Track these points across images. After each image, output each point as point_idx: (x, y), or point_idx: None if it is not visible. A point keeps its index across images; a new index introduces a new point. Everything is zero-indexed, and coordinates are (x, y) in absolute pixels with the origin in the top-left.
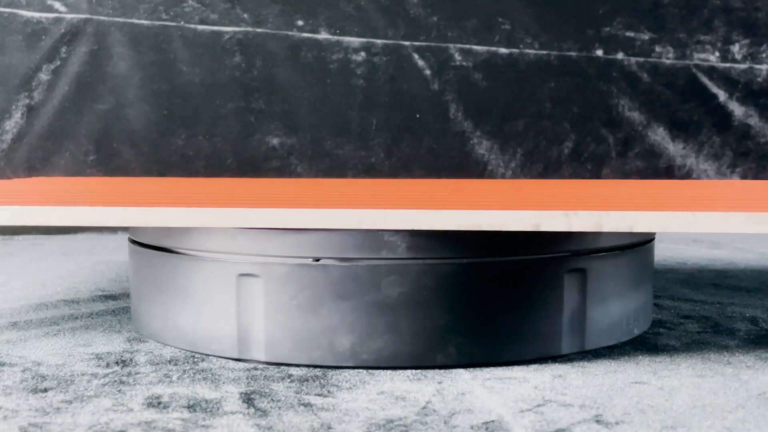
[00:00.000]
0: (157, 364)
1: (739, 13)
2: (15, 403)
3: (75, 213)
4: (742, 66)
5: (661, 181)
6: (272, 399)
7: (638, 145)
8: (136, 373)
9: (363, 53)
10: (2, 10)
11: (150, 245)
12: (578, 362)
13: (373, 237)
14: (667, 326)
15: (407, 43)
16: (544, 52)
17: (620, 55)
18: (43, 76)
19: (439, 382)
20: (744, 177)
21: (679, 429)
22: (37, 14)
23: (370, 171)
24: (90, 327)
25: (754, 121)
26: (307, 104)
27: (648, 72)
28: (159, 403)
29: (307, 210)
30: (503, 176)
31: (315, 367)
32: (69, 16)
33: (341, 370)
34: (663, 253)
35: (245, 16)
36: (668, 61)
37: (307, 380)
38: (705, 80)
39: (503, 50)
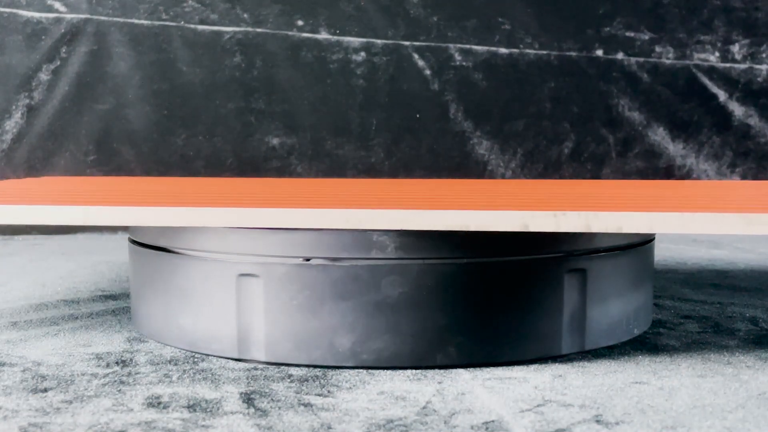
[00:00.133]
0: (157, 364)
1: (739, 13)
2: (15, 403)
3: (75, 212)
4: (742, 66)
5: (655, 182)
6: (272, 399)
7: (638, 145)
8: (136, 373)
9: (363, 53)
10: (2, 10)
11: (150, 245)
12: (578, 362)
13: (372, 237)
14: (667, 326)
15: (407, 43)
16: (544, 52)
17: (620, 55)
18: (43, 76)
19: (439, 382)
20: (744, 177)
21: (679, 429)
22: (37, 14)
23: (370, 171)
24: (90, 327)
25: (754, 121)
26: (307, 104)
27: (648, 72)
28: (159, 403)
29: (294, 210)
30: (503, 176)
31: (315, 367)
32: (69, 16)
33: (341, 370)
34: (663, 253)
35: (245, 16)
36: (668, 61)
37: (307, 380)
38: (705, 80)
39: (503, 50)
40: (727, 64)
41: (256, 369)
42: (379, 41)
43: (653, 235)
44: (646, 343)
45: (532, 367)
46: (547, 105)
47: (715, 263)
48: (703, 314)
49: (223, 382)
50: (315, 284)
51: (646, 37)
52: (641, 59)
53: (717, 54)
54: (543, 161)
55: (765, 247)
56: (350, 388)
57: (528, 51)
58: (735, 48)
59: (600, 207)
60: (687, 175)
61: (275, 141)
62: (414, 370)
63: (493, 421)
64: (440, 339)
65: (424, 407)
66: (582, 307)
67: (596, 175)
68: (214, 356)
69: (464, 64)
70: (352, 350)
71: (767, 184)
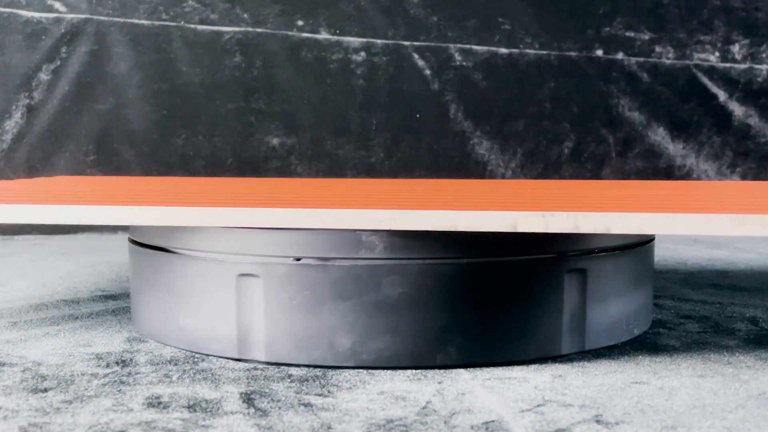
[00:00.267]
0: (157, 364)
1: (739, 13)
2: (15, 403)
3: (75, 212)
4: (742, 66)
5: (649, 182)
6: (272, 399)
7: (638, 145)
8: (136, 373)
9: (363, 53)
10: (2, 10)
11: (150, 245)
12: (578, 362)
13: (362, 237)
14: (667, 326)
15: (407, 43)
16: (544, 52)
17: (620, 55)
18: (43, 76)
19: (439, 382)
20: (744, 177)
21: (679, 429)
22: (37, 14)
23: (370, 171)
24: (90, 327)
25: (754, 121)
26: (307, 104)
27: (648, 72)
28: (159, 403)
29: (283, 209)
30: (503, 176)
31: (315, 367)
32: (69, 16)
33: (341, 370)
34: (663, 253)
35: (245, 16)
36: (668, 61)
37: (307, 380)
38: (705, 80)
39: (503, 50)
40: (727, 64)
41: (256, 369)
42: (379, 41)
43: (653, 235)
44: (646, 343)
45: (532, 367)
46: (547, 105)
47: (715, 263)
48: (703, 314)
49: (223, 382)
50: (315, 284)
51: (646, 37)
52: (641, 59)
53: (717, 54)
54: (543, 161)
55: (765, 247)
56: (350, 388)
57: (528, 51)
58: (735, 48)
59: (589, 207)
60: (687, 176)
61: (275, 141)
62: (414, 370)
63: (493, 421)
64: (440, 339)
65: (424, 407)
66: (582, 307)
67: (596, 176)
68: (214, 356)
69: (464, 64)
70: (352, 350)
71: (763, 184)
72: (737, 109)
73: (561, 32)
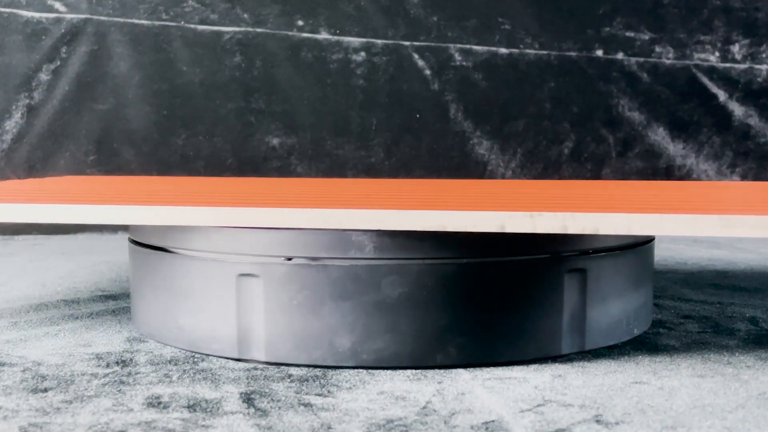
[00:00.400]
0: (157, 364)
1: (739, 13)
2: (15, 403)
3: (75, 212)
4: (742, 66)
5: (643, 182)
6: (272, 399)
7: (638, 145)
8: (136, 373)
9: (363, 53)
10: (2, 10)
11: (150, 245)
12: (578, 362)
13: (352, 237)
14: (667, 326)
15: (407, 43)
16: (544, 52)
17: (620, 55)
18: (43, 76)
19: (439, 382)
20: (744, 177)
21: (679, 429)
22: (37, 14)
23: (370, 171)
24: (90, 327)
25: (754, 121)
26: (307, 104)
27: (648, 72)
28: (159, 403)
29: (274, 209)
30: (503, 176)
31: (315, 367)
32: (69, 16)
33: (341, 370)
34: (663, 253)
35: (245, 16)
36: (668, 61)
37: (307, 380)
38: (705, 80)
39: (503, 50)
40: (727, 64)
41: (256, 369)
42: (379, 41)
43: (653, 235)
44: (646, 343)
45: (532, 367)
46: (547, 105)
47: (715, 263)
48: (703, 314)
49: (223, 382)
50: (315, 284)
51: (646, 37)
52: (641, 59)
53: (717, 54)
54: (543, 161)
55: (765, 247)
56: (350, 388)
57: (528, 51)
58: (735, 48)
59: (579, 208)
60: (687, 176)
61: (275, 141)
62: (414, 370)
63: (493, 421)
64: (440, 339)
65: (424, 407)
66: (582, 307)
67: (596, 176)
68: (214, 356)
69: (464, 64)
70: (352, 350)
71: (760, 185)
72: (737, 109)
73: (561, 32)
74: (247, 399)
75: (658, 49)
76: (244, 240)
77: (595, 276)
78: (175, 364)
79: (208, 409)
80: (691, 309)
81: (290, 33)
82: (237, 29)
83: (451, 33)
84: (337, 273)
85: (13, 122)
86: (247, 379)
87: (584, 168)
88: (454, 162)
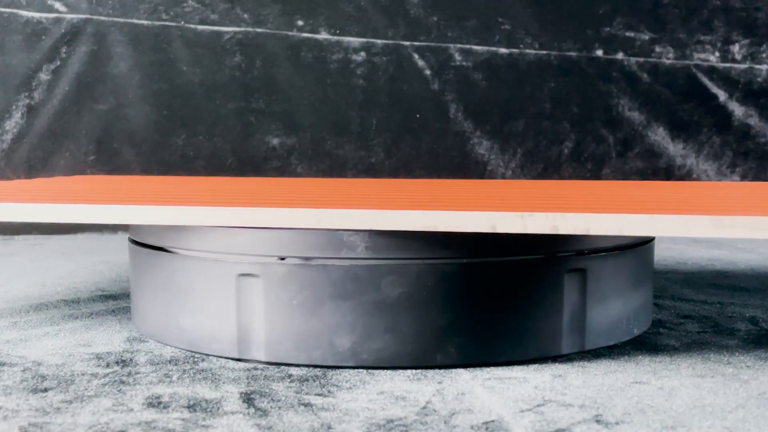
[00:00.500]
0: (157, 364)
1: (739, 13)
2: (15, 403)
3: (75, 211)
4: (742, 66)
5: (640, 183)
6: (272, 399)
7: (638, 145)
8: (136, 373)
9: (363, 53)
10: (2, 10)
11: (150, 245)
12: (578, 362)
13: (343, 237)
14: (667, 326)
15: (407, 43)
16: (544, 52)
17: (620, 55)
18: (43, 76)
19: (439, 382)
20: (744, 177)
21: (679, 429)
22: (37, 14)
23: (370, 171)
24: (90, 327)
25: (754, 121)
26: (307, 104)
27: (648, 72)
28: (159, 403)
29: (274, 209)
30: (503, 176)
31: (315, 367)
32: (69, 16)
33: (341, 370)
34: (663, 253)
35: (245, 16)
36: (668, 61)
37: (307, 380)
38: (705, 80)
39: (503, 50)
40: (727, 64)
41: (256, 369)
42: (379, 41)
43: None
44: (646, 343)
45: (532, 367)
46: (547, 105)
47: (715, 263)
48: (703, 314)
49: (223, 382)
50: (315, 284)
51: (646, 37)
52: (641, 59)
53: (717, 54)
54: (543, 161)
55: (765, 247)
56: (350, 388)
57: (528, 51)
58: (735, 48)
59: (570, 208)
60: (687, 176)
61: (275, 141)
62: (414, 370)
63: (493, 421)
64: (440, 339)
65: (424, 407)
66: (582, 307)
67: (596, 176)
68: (214, 356)
69: (464, 64)
70: (352, 350)
71: (755, 185)
72: (737, 109)
73: (561, 32)
74: (247, 399)
75: (658, 49)
76: (244, 240)
77: (595, 276)
78: (175, 364)
79: (208, 409)
80: (691, 309)
81: (290, 33)
82: (237, 29)
83: (451, 33)
84: (337, 273)
85: (13, 122)
86: (247, 379)
87: (584, 168)
88: (454, 162)
